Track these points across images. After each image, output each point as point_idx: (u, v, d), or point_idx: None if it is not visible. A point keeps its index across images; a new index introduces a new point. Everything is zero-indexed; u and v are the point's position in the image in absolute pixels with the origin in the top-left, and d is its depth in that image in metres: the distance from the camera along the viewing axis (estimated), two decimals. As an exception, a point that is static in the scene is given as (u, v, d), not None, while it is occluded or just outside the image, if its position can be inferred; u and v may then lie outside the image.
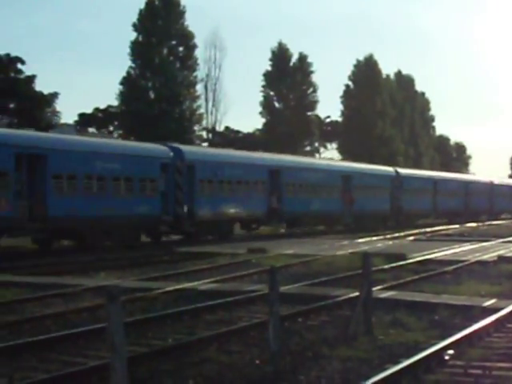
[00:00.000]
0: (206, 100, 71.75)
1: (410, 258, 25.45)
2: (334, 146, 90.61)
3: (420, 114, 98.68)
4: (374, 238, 37.56)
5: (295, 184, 45.11)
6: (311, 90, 78.36)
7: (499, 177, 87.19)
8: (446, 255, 26.92)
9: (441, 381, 9.38)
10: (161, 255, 29.48)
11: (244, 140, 75.36)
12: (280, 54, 76.45)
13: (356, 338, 11.94)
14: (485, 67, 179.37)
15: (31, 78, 55.87)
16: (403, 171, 60.21)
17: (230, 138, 76.29)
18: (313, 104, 78.65)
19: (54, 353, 11.34)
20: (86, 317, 14.48)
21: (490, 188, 74.88)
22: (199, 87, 68.17)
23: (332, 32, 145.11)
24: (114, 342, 7.63)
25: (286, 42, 77.95)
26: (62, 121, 58.88)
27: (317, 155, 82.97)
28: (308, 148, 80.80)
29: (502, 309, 13.70)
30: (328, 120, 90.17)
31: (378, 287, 16.68)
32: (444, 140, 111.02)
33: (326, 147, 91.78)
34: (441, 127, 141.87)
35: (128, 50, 63.08)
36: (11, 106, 55.97)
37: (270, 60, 76.69)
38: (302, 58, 77.62)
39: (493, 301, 15.21)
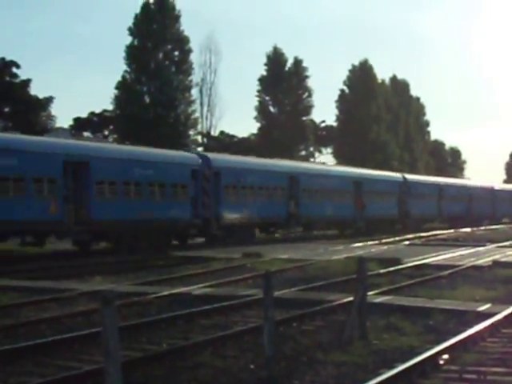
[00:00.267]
0: (201, 104, 71.91)
1: (405, 263, 25.47)
2: (329, 150, 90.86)
3: (415, 118, 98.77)
4: (369, 243, 37.58)
5: (311, 190, 46.94)
6: (306, 94, 78.49)
7: (496, 182, 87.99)
8: (441, 260, 26.94)
9: (435, 385, 9.39)
10: (156, 260, 29.46)
11: (239, 144, 75.41)
12: (275, 59, 76.54)
13: (351, 342, 11.94)
14: (480, 72, 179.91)
15: (26, 82, 55.92)
16: (410, 177, 62.24)
17: (225, 143, 76.34)
18: (308, 109, 78.75)
19: (48, 357, 11.32)
20: (81, 321, 14.46)
21: (492, 193, 76.56)
22: (194, 91, 68.29)
23: (327, 37, 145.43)
24: (108, 346, 7.62)
25: (282, 46, 78.18)
26: (57, 125, 59.08)
27: (311, 159, 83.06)
28: (303, 152, 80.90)
29: (496, 314, 13.70)
30: (323, 125, 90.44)
31: (373, 292, 16.67)
32: (439, 145, 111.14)
33: (320, 152, 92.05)
34: (436, 132, 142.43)
35: (123, 54, 63.16)
36: (6, 109, 55.98)
37: (265, 65, 76.81)
38: (298, 62, 77.73)
39: (488, 306, 15.22)
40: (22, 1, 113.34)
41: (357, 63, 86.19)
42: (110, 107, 66.05)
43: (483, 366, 10.21)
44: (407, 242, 39.56)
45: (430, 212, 62.98)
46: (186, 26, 66.49)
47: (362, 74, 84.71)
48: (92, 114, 71.35)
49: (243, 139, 79.73)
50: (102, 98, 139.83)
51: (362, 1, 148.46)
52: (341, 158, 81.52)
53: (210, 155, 40.72)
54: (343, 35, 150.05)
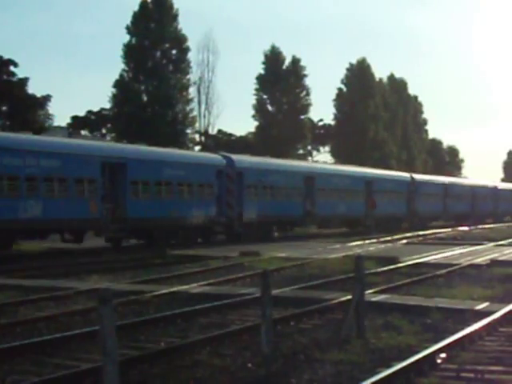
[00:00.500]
0: (199, 103, 71.81)
1: (403, 262, 25.48)
2: (327, 149, 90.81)
3: (413, 117, 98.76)
4: (367, 242, 37.62)
5: (326, 189, 48.81)
6: (304, 93, 78.34)
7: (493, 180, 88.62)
8: (438, 258, 26.96)
9: (433, 384, 9.40)
10: (153, 258, 29.45)
11: (237, 143, 75.36)
12: (273, 58, 76.44)
13: (348, 341, 11.95)
14: (478, 71, 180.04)
15: (24, 81, 55.73)
16: (418, 177, 64.37)
17: (223, 141, 76.30)
18: (306, 107, 78.64)
19: (46, 356, 11.31)
20: (79, 320, 14.45)
21: (495, 192, 78.75)
22: (192, 90, 68.19)
23: (325, 35, 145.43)
24: (106, 345, 7.62)
25: (279, 45, 78.02)
26: (55, 123, 58.90)
27: (310, 158, 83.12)
28: (301, 151, 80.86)
29: (494, 312, 13.72)
30: (321, 123, 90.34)
31: (371, 290, 16.69)
32: (437, 143, 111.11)
33: (318, 150, 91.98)
34: (433, 131, 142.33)
35: (121, 53, 63.08)
36: (4, 108, 55.85)
37: (263, 63, 76.67)
38: (295, 61, 77.63)
39: (485, 304, 15.24)
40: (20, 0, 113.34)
41: (354, 62, 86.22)
42: (108, 106, 66.03)
43: (481, 365, 10.22)
44: (405, 241, 39.60)
45: (435, 210, 65.11)
46: (184, 25, 66.55)
47: (359, 73, 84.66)
48: (90, 112, 71.30)
49: (241, 138, 79.69)
50: (99, 97, 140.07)
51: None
52: (338, 157, 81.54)
53: (234, 156, 42.24)
54: (341, 34, 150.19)
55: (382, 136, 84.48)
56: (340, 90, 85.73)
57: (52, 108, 60.28)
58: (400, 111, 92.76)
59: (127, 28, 62.93)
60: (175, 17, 63.96)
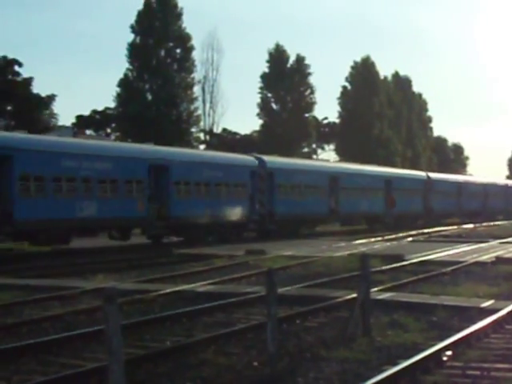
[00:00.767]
0: (204, 102, 71.89)
1: (408, 260, 25.45)
2: (332, 147, 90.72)
3: (417, 115, 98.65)
4: (372, 240, 37.59)
5: (348, 188, 50.51)
6: (309, 91, 78.28)
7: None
8: (443, 256, 26.92)
9: (439, 382, 9.37)
10: (158, 257, 29.47)
11: (241, 142, 75.33)
12: (277, 56, 76.39)
13: (354, 339, 11.94)
14: (482, 68, 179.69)
15: (28, 81, 55.80)
16: (433, 175, 66.71)
17: (228, 140, 76.28)
18: (310, 105, 78.56)
19: (51, 355, 11.32)
20: (84, 319, 14.47)
21: (506, 190, 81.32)
22: (196, 89, 68.25)
23: (329, 33, 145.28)
24: (111, 344, 7.62)
25: (284, 43, 78.20)
26: (60, 123, 58.92)
27: (315, 157, 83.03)
28: (305, 149, 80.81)
29: (499, 310, 13.70)
30: (325, 121, 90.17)
31: (376, 288, 16.68)
32: (441, 141, 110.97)
33: (323, 148, 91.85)
34: (438, 128, 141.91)
35: (125, 52, 63.12)
36: (8, 108, 55.91)
37: (268, 62, 76.64)
38: (300, 59, 77.57)
39: (491, 302, 15.22)
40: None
41: (359, 60, 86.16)
42: (112, 105, 66.07)
43: (487, 362, 10.21)
44: (410, 239, 39.56)
45: (450, 208, 66.93)
46: (188, 24, 66.58)
47: (364, 71, 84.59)
48: (94, 111, 71.30)
49: (246, 136, 79.65)
50: (104, 96, 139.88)
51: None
52: (343, 155, 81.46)
53: (265, 157, 44.12)
54: (345, 32, 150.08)
55: (386, 134, 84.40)
56: (344, 88, 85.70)
57: (56, 107, 60.42)
58: (404, 109, 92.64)
59: (131, 27, 62.97)
60: (179, 15, 63.97)
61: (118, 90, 63.05)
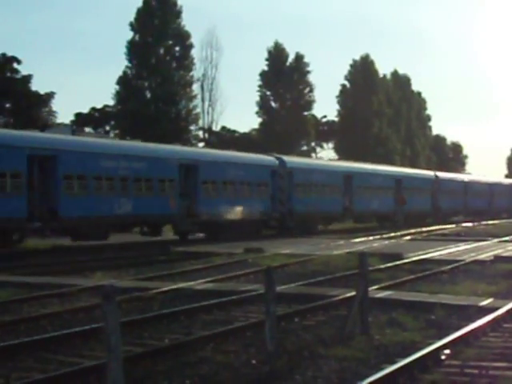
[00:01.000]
0: (203, 100, 71.86)
1: (407, 258, 25.45)
2: (331, 145, 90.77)
3: (416, 113, 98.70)
4: (371, 238, 37.59)
5: (362, 187, 52.21)
6: (308, 89, 78.38)
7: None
8: (442, 255, 26.93)
9: (437, 380, 9.37)
10: (157, 255, 29.45)
11: (240, 140, 75.32)
12: (276, 54, 76.44)
13: (352, 337, 11.94)
14: (481, 67, 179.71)
15: (27, 78, 55.86)
16: (441, 175, 68.06)
17: (227, 138, 76.27)
18: (309, 104, 78.66)
19: (50, 353, 11.31)
20: (83, 317, 14.46)
21: (510, 189, 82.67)
22: (195, 87, 68.33)
23: (328, 32, 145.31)
24: (110, 341, 7.62)
25: (283, 41, 78.16)
26: (59, 121, 58.99)
27: (313, 155, 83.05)
28: (304, 148, 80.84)
29: (498, 308, 13.70)
30: (324, 120, 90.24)
31: (375, 287, 16.67)
32: (440, 140, 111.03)
33: (322, 147, 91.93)
34: (437, 127, 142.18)
35: (124, 50, 63.14)
36: (7, 105, 55.94)
37: (267, 60, 76.71)
38: (299, 57, 77.63)
39: (489, 300, 15.21)
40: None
41: (358, 58, 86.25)
42: (111, 103, 66.16)
43: (485, 361, 10.21)
44: (409, 237, 39.56)
45: (456, 206, 68.63)
46: (187, 22, 66.68)
47: (363, 69, 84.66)
48: (93, 109, 71.25)
49: (244, 134, 79.65)
50: (103, 94, 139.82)
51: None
52: (342, 153, 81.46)
53: (285, 157, 45.96)
54: (344, 30, 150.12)
55: (385, 132, 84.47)
56: (343, 86, 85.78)
57: (55, 105, 60.37)
58: (403, 107, 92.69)
59: (130, 25, 63.04)
60: (178, 13, 64.02)
61: (116, 87, 63.17)
